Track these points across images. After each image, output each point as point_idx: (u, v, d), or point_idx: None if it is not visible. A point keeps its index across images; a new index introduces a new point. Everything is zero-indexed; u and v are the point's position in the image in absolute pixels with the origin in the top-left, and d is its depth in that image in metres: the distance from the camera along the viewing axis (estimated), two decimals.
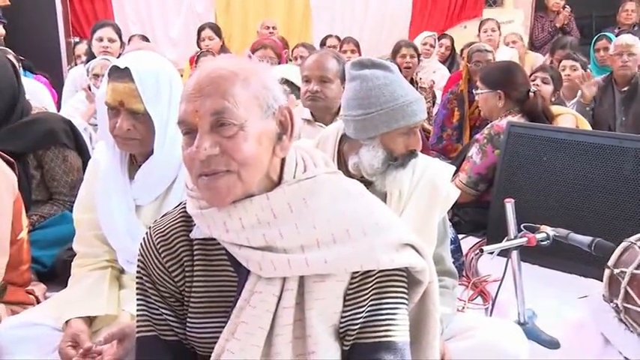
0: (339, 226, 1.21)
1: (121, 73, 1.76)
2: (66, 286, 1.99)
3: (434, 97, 4.96)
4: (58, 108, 4.11)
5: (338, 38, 6.14)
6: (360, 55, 5.52)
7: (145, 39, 5.78)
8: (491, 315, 2.15)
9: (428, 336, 1.35)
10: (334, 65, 2.69)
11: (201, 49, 5.66)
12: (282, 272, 1.18)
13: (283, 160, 1.25)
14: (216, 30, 5.88)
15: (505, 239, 2.03)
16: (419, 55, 5.06)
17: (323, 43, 6.06)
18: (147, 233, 1.33)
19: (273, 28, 6.21)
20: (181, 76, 5.38)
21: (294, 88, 3.08)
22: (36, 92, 3.54)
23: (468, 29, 7.65)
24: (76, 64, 5.48)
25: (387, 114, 1.71)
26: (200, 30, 5.90)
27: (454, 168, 2.00)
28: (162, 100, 1.79)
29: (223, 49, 5.70)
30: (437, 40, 6.02)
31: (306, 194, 1.21)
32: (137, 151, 1.84)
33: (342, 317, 1.23)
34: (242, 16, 7.81)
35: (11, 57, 3.15)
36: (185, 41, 7.34)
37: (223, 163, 1.14)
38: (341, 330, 1.24)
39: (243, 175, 1.15)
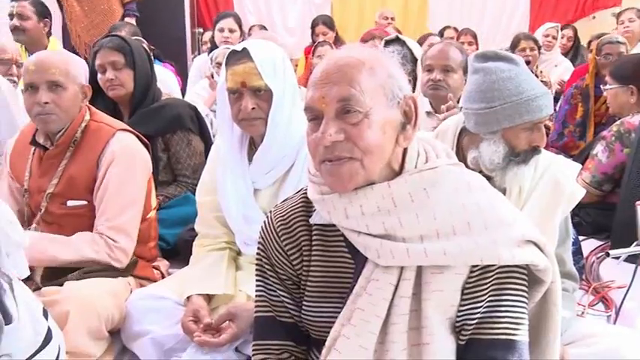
0: (460, 218, 1.19)
1: (239, 55, 1.84)
2: (187, 263, 2.11)
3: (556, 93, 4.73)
4: (183, 95, 4.32)
5: (455, 30, 6.00)
6: (477, 47, 5.37)
7: (264, 29, 5.94)
8: (614, 323, 2.03)
9: (548, 337, 1.30)
10: (458, 55, 2.65)
11: (314, 42, 5.73)
12: (400, 261, 1.18)
13: (405, 150, 1.24)
14: (330, 23, 5.91)
15: (634, 244, 1.90)
16: (539, 48, 4.84)
17: (440, 35, 5.94)
18: (268, 217, 1.38)
19: (392, 18, 6.17)
20: (296, 66, 5.53)
21: (407, 49, 3.05)
22: (165, 79, 3.75)
23: (597, 20, 7.21)
24: (199, 54, 5.74)
25: (510, 108, 1.66)
26: (314, 25, 5.95)
27: (580, 166, 1.91)
28: (279, 76, 1.86)
29: (337, 41, 5.73)
30: (560, 32, 5.73)
31: (428, 185, 1.20)
32: (262, 130, 1.89)
33: (459, 311, 1.21)
34: (358, 6, 7.83)
35: (145, 46, 3.35)
36: (301, 31, 7.46)
37: (347, 149, 1.16)
38: (457, 324, 1.22)
39: (366, 162, 1.16)
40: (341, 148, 1.16)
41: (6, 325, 1.33)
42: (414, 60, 2.96)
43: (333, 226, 1.26)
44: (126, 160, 2.06)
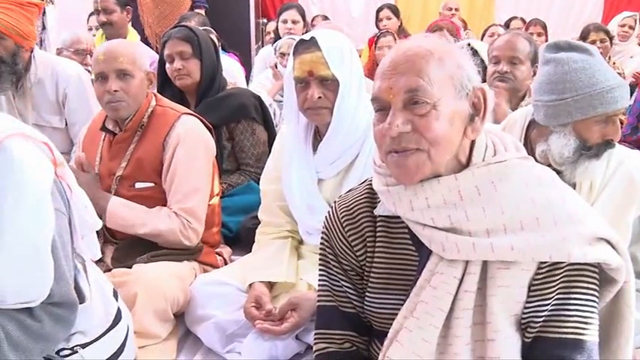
0: (529, 213, 1.16)
1: (307, 44, 1.85)
2: (249, 251, 2.15)
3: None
4: (247, 84, 4.37)
5: (523, 20, 5.84)
6: (547, 38, 5.21)
7: (327, 19, 5.94)
8: None
9: (619, 339, 1.25)
10: (525, 46, 2.58)
11: (379, 29, 5.68)
12: (465, 255, 1.16)
13: (473, 143, 1.22)
14: (395, 10, 5.87)
15: None
16: (611, 39, 4.65)
17: (507, 26, 5.79)
18: (332, 207, 1.38)
19: (456, 9, 6.06)
20: (360, 56, 5.51)
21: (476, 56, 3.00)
22: (230, 69, 3.80)
23: None
24: (263, 44, 5.80)
25: (583, 100, 1.61)
26: (378, 10, 5.93)
27: None
28: (346, 66, 1.86)
29: (401, 30, 5.67)
30: (637, 22, 5.48)
31: (495, 178, 1.18)
32: (328, 120, 1.89)
33: (526, 308, 1.18)
34: None
35: (213, 37, 3.41)
36: (364, 21, 7.42)
37: (414, 141, 1.15)
38: (523, 321, 1.19)
39: (433, 154, 1.15)
40: (408, 140, 1.15)
41: (80, 304, 1.40)
42: (484, 67, 2.91)
43: (398, 217, 1.25)
44: (191, 142, 2.11)
